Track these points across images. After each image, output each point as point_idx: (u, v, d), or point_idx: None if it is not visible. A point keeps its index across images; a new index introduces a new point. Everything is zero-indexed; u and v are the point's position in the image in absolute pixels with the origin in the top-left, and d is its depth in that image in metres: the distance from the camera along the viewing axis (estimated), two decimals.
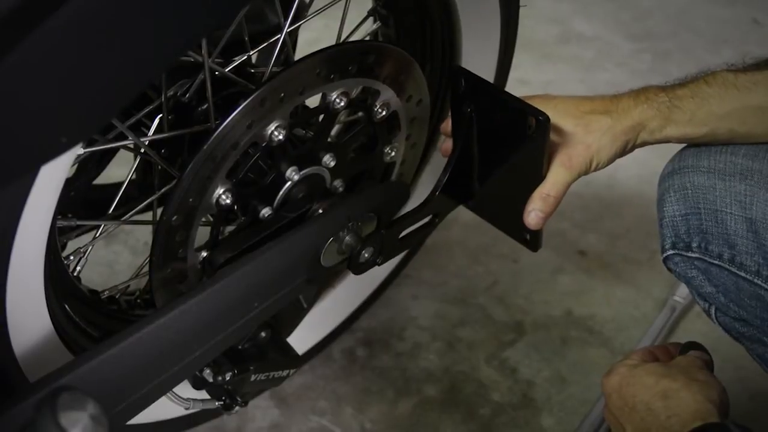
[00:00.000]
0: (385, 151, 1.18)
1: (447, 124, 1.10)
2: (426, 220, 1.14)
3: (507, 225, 1.04)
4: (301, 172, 1.06)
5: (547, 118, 0.96)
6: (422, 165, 1.36)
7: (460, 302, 1.63)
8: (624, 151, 1.03)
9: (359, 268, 1.09)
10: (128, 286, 1.21)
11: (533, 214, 1.01)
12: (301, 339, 1.37)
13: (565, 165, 1.00)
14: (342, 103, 1.05)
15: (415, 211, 1.11)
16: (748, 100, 0.98)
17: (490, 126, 1.03)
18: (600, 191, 1.88)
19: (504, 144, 1.02)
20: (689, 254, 1.05)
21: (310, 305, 1.17)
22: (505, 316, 1.60)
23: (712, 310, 1.09)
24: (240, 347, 1.09)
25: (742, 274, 1.01)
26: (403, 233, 1.13)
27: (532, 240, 1.07)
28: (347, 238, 1.04)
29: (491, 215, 1.10)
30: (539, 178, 1.00)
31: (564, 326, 1.58)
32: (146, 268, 1.04)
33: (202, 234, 1.04)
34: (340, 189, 1.14)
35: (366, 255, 1.07)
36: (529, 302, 1.63)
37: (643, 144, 1.03)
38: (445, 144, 1.11)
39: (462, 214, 1.80)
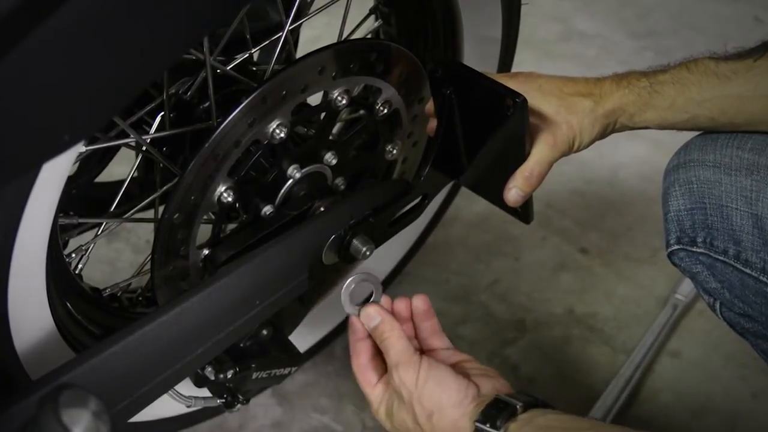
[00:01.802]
0: (387, 149, 1.18)
1: (430, 105, 1.10)
2: (415, 202, 1.14)
3: (497, 199, 1.04)
4: (303, 170, 1.06)
5: (524, 100, 0.95)
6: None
7: (461, 300, 1.63)
8: (604, 134, 1.03)
9: (349, 257, 1.08)
10: (130, 283, 1.21)
11: (513, 191, 1.01)
12: (303, 336, 1.38)
13: (548, 143, 1.00)
14: (344, 101, 1.04)
15: (403, 193, 1.11)
16: (728, 89, 0.97)
17: (470, 107, 1.03)
18: (601, 189, 1.88)
19: (486, 124, 1.02)
20: (694, 249, 1.05)
21: (312, 303, 1.17)
22: (506, 314, 1.60)
23: (717, 306, 1.09)
24: (242, 345, 1.09)
25: (748, 270, 1.01)
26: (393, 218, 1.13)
27: (522, 212, 1.07)
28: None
29: (482, 190, 1.11)
30: (522, 155, 1.00)
31: (566, 324, 1.58)
32: (148, 266, 1.04)
33: (204, 232, 1.04)
34: (342, 187, 1.14)
35: (357, 243, 1.07)
36: (531, 300, 1.63)
37: (623, 128, 1.03)
38: (431, 124, 1.12)
39: (463, 212, 1.80)
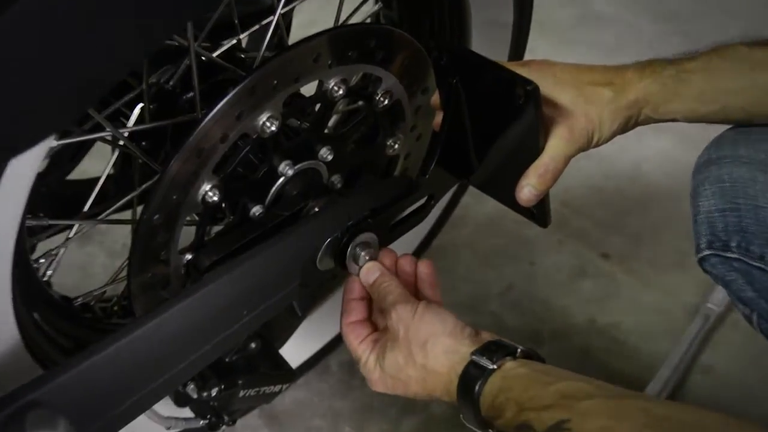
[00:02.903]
0: (388, 143, 1.17)
1: (436, 96, 1.09)
2: (420, 203, 1.14)
3: (510, 200, 1.04)
4: (296, 167, 1.06)
5: (536, 87, 0.95)
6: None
7: (470, 309, 1.63)
8: (626, 128, 1.03)
9: (345, 263, 1.08)
10: (104, 292, 1.21)
11: (526, 189, 1.01)
12: (295, 350, 1.38)
13: (564, 137, 1.00)
14: (340, 92, 1.04)
15: (406, 193, 1.11)
16: (762, 77, 0.97)
17: (479, 97, 1.03)
18: (623, 186, 1.88)
19: (496, 115, 1.02)
20: (728, 255, 1.05)
21: (306, 313, 1.17)
22: (520, 324, 1.60)
23: (754, 317, 1.08)
24: (227, 359, 1.09)
25: None
26: (395, 220, 1.13)
27: (538, 213, 1.07)
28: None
29: (493, 190, 1.11)
30: (536, 150, 1.00)
31: (586, 335, 1.58)
32: (124, 273, 1.03)
33: (187, 235, 1.04)
34: (339, 185, 1.14)
35: (356, 249, 1.06)
36: (547, 309, 1.63)
37: (647, 121, 1.03)
38: (436, 117, 1.11)
39: (472, 212, 1.80)
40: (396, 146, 1.18)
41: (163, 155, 1.10)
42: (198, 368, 0.96)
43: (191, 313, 0.92)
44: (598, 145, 1.03)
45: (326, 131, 1.10)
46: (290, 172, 1.06)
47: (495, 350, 0.92)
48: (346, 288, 1.07)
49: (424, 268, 1.07)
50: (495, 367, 0.91)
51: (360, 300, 1.06)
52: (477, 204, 1.77)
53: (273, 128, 0.99)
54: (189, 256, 1.04)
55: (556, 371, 0.89)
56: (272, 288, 1.01)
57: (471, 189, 1.48)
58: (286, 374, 1.15)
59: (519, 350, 0.92)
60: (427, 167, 1.10)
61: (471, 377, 0.92)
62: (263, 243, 0.99)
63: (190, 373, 0.95)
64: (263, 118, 0.99)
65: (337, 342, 1.49)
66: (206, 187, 0.99)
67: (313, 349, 1.46)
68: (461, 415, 0.94)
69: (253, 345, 1.11)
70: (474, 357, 0.93)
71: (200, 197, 0.99)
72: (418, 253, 1.55)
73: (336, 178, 1.13)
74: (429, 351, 0.96)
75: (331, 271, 1.07)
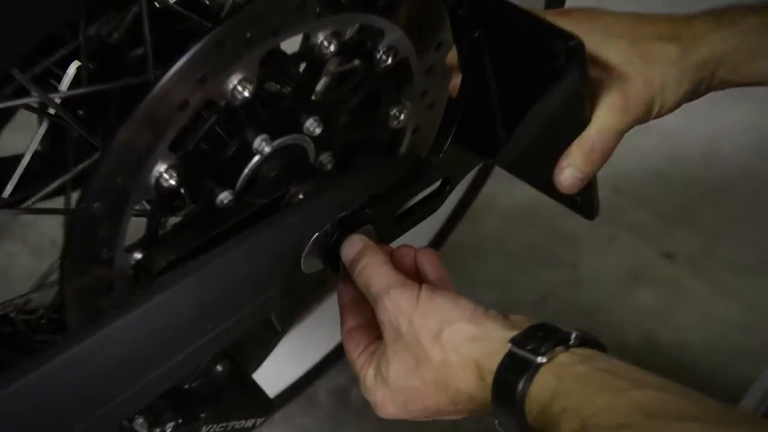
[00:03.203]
0: (391, 113, 1.18)
1: (453, 54, 1.10)
2: (433, 187, 1.14)
3: (547, 185, 1.04)
4: (275, 143, 1.07)
5: (580, 43, 0.95)
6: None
7: None
8: (696, 93, 1.03)
9: (337, 264, 1.09)
10: (28, 300, 1.22)
11: (568, 172, 1.02)
12: (273, 375, 1.38)
13: (615, 107, 1.00)
14: (332, 48, 1.05)
15: (415, 176, 1.12)
16: None
17: (507, 55, 1.04)
18: (692, 168, 1.89)
19: (529, 79, 1.02)
20: None
21: (287, 328, 1.18)
22: None
23: None
24: (187, 387, 1.10)
25: None
26: (401, 210, 1.14)
27: (583, 203, 1.08)
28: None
29: (526, 172, 1.11)
30: (580, 123, 1.01)
31: (643, 358, 1.59)
32: (55, 276, 1.04)
33: (136, 228, 1.04)
34: (329, 166, 1.15)
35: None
36: (595, 324, 1.64)
37: (724, 85, 1.03)
38: (453, 80, 1.12)
39: (499, 199, 1.80)
40: (402, 117, 1.19)
41: (106, 127, 1.11)
42: (148, 398, 0.97)
43: (140, 328, 0.93)
44: (659, 115, 1.03)
45: (314, 98, 1.11)
46: (268, 150, 1.06)
47: (542, 337, 0.88)
48: (338, 290, 1.07)
49: (424, 253, 1.05)
50: (545, 360, 0.86)
51: (355, 302, 1.05)
52: (505, 189, 1.78)
53: (246, 94, 1.00)
54: (138, 256, 1.05)
55: (629, 370, 0.85)
56: (244, 296, 1.02)
57: (498, 171, 1.49)
58: (261, 405, 1.16)
59: (573, 336, 0.88)
60: (442, 144, 1.11)
61: (511, 374, 0.87)
62: (233, 239, 1.00)
63: (139, 404, 0.96)
64: (234, 81, 0.99)
65: (326, 365, 1.49)
66: (161, 167, 0.99)
67: (295, 374, 1.47)
68: (497, 423, 0.90)
69: (219, 368, 1.12)
70: (514, 347, 0.88)
71: (153, 180, 0.99)
72: (434, 247, 1.56)
73: (325, 158, 1.14)
74: (447, 342, 0.93)
75: (320, 275, 1.08)
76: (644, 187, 1.84)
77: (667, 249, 1.76)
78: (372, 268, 1.00)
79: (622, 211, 1.80)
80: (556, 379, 0.85)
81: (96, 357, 0.90)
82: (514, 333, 0.90)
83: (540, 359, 0.86)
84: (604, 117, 1.00)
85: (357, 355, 1.01)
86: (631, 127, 1.02)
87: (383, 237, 1.11)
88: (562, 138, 1.02)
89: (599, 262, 1.74)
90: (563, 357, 0.87)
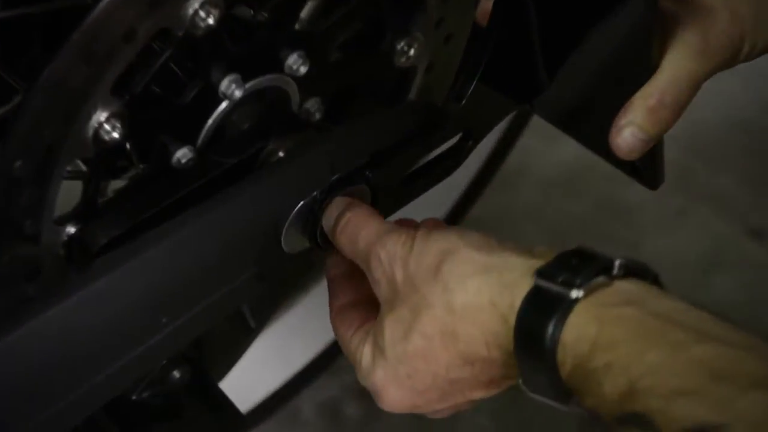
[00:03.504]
0: (398, 47, 1.18)
1: None
2: (452, 142, 1.14)
3: (600, 144, 1.04)
4: (248, 85, 1.07)
5: None
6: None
7: None
8: None
9: (326, 240, 1.09)
10: None
11: (627, 132, 1.02)
12: (246, 384, 1.39)
13: (693, 48, 1.00)
14: None
15: (427, 128, 1.12)
16: None
17: None
18: None
19: (580, 9, 1.02)
20: None
21: (262, 324, 1.18)
22: None
23: None
24: (135, 398, 1.10)
25: None
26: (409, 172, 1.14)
27: (645, 169, 1.08)
28: None
29: (573, 126, 1.11)
30: (646, 68, 1.01)
31: None
32: None
33: (69, 194, 1.04)
34: (317, 115, 1.15)
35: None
36: None
37: None
38: (483, 5, 1.12)
39: (538, 161, 1.81)
40: (411, 52, 1.19)
41: (28, 63, 1.11)
42: (85, 412, 0.97)
43: (74, 322, 0.93)
44: (749, 58, 1.03)
45: (297, 27, 1.11)
46: (238, 94, 1.06)
47: (576, 266, 0.86)
48: (326, 265, 1.08)
49: (428, 221, 1.05)
50: (581, 294, 0.83)
51: (346, 275, 1.06)
52: (545, 149, 1.78)
53: (210, 21, 1.00)
54: (72, 230, 1.05)
55: (691, 315, 0.82)
56: (209, 282, 1.02)
57: (535, 124, 1.48)
58: (230, 422, 1.16)
59: (618, 264, 0.86)
60: (464, 87, 1.10)
61: (538, 314, 0.84)
62: (193, 209, 1.00)
63: (71, 420, 0.96)
64: (194, 4, 0.99)
65: (313, 372, 1.50)
66: (101, 116, 0.99)
67: (274, 382, 1.47)
68: (520, 380, 0.88)
69: (176, 375, 1.12)
70: (540, 279, 0.86)
71: (91, 133, 0.99)
72: (452, 222, 1.56)
73: (313, 105, 1.14)
74: (448, 276, 0.92)
75: (305, 255, 1.09)
76: (725, 145, 1.84)
77: (753, 224, 1.76)
78: (357, 221, 1.01)
79: (696, 176, 1.80)
80: (596, 323, 0.82)
81: (17, 359, 0.91)
82: (539, 263, 0.88)
83: (575, 293, 0.83)
84: (678, 62, 1.00)
85: (350, 336, 1.01)
86: (712, 74, 1.02)
87: (385, 205, 1.11)
88: (622, 86, 1.02)
89: (666, 241, 1.74)
90: (605, 294, 0.84)
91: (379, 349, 0.95)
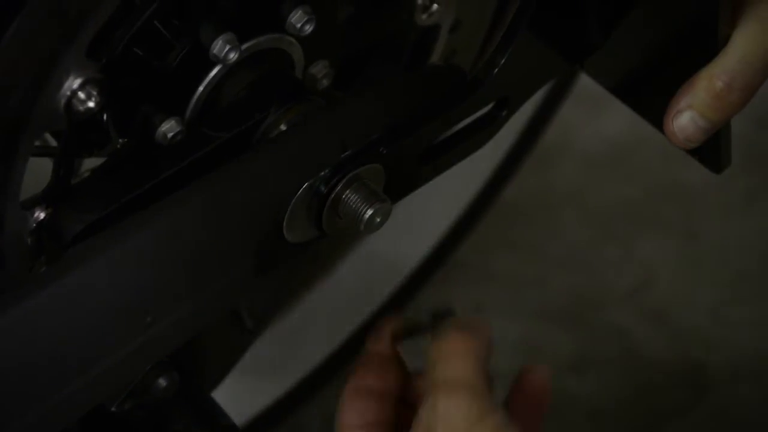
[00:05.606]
0: (419, 1, 1.18)
1: None
2: (480, 113, 1.14)
3: (657, 115, 1.04)
4: (244, 47, 1.07)
5: None
6: None
7: (572, 320, 1.64)
8: None
9: (333, 227, 1.10)
10: None
11: (686, 118, 1.02)
12: (243, 393, 1.39)
13: (766, 23, 1.00)
14: None
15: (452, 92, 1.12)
16: None
17: None
18: None
19: None
20: None
21: (261, 326, 1.18)
22: (668, 355, 1.62)
23: None
24: (115, 410, 1.10)
25: None
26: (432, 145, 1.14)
27: (708, 150, 1.08)
28: None
29: (627, 92, 1.11)
30: (712, 45, 1.01)
31: None
32: None
33: (37, 173, 1.04)
34: (324, 82, 1.15)
35: (357, 203, 1.07)
36: (725, 327, 1.64)
37: None
38: None
39: (581, 133, 1.81)
40: (434, 8, 1.18)
41: None
42: (58, 426, 0.97)
43: (45, 321, 0.93)
44: None
45: None
46: (233, 57, 1.06)
47: None
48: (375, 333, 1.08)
49: (533, 367, 1.05)
50: None
51: (372, 392, 1.06)
52: (590, 120, 1.78)
53: None
54: (41, 215, 1.05)
55: None
56: (200, 276, 1.02)
57: (578, 94, 1.48)
58: None
59: None
60: (499, 49, 1.10)
61: None
62: (182, 191, 1.00)
63: None
64: None
65: (319, 380, 1.50)
66: (74, 82, 0.99)
67: (275, 392, 1.48)
68: None
69: (162, 383, 1.12)
70: None
71: (62, 102, 1.00)
72: (475, 212, 1.56)
73: (319, 70, 1.15)
74: None
75: (309, 245, 1.08)
76: None
77: None
78: (458, 351, 0.99)
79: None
80: None
81: None
82: None
83: None
84: (754, 36, 1.00)
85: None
86: None
87: (401, 184, 1.10)
88: (684, 59, 1.02)
89: (732, 230, 1.73)
90: None
91: None
